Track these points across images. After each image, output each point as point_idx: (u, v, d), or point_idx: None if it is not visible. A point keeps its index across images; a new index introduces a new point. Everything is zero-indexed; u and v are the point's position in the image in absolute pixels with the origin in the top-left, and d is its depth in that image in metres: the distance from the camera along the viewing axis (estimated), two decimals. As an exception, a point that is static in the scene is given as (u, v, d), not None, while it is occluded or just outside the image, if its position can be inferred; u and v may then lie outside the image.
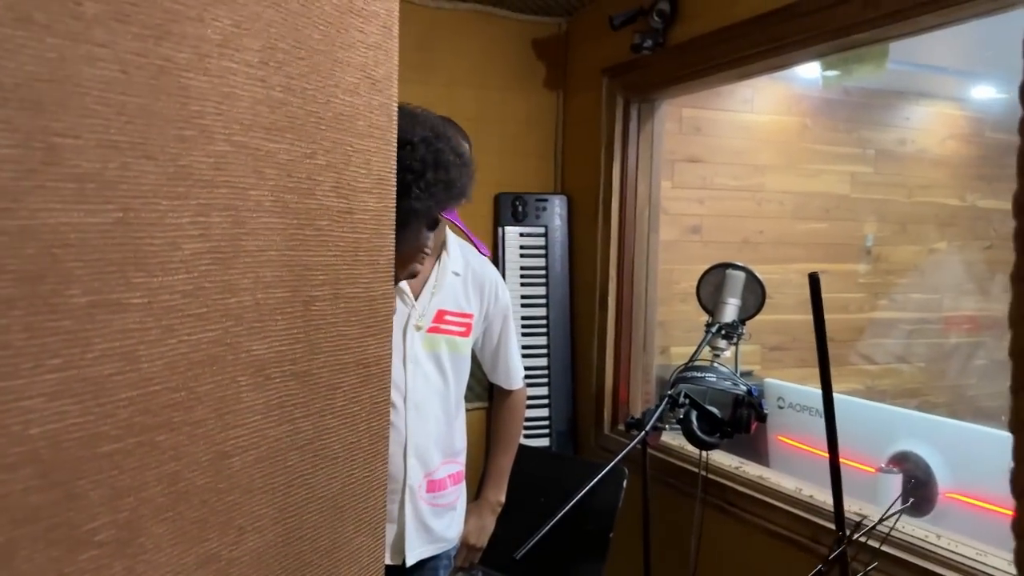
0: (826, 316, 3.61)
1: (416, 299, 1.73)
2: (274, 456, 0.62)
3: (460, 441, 1.86)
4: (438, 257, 1.76)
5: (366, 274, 0.71)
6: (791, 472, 2.28)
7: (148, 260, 0.49)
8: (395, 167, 0.76)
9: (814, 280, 1.14)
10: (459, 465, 1.86)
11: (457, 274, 1.78)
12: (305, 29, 0.62)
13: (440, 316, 1.74)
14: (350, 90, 0.68)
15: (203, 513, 0.55)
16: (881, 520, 1.54)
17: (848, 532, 1.34)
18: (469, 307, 1.80)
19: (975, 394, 3.70)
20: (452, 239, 1.81)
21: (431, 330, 1.71)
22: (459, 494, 1.86)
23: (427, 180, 1.31)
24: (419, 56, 2.64)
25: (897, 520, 1.56)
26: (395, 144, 0.76)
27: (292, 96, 0.61)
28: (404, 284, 1.71)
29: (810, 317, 3.57)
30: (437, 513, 1.76)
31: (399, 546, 1.69)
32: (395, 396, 1.66)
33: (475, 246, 1.67)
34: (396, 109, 0.75)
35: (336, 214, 0.67)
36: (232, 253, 0.56)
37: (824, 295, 3.76)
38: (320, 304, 0.66)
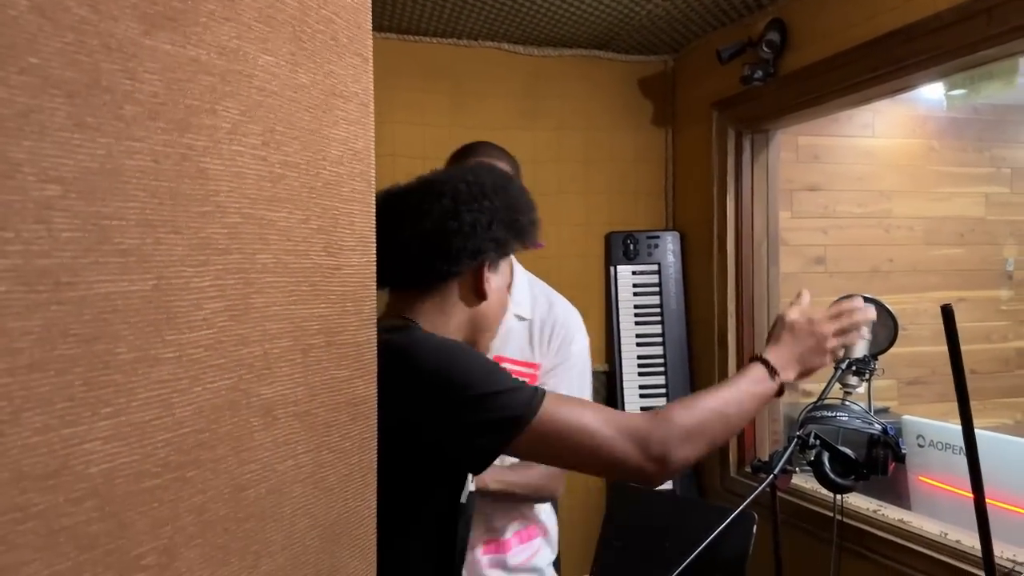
0: (967, 347, 3.38)
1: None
2: (281, 488, 0.69)
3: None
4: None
5: (353, 323, 0.80)
6: (936, 515, 2.13)
7: (177, 320, 0.57)
8: (374, 226, 0.83)
9: (947, 312, 1.07)
10: (530, 521, 1.67)
11: (523, 318, 1.57)
12: (297, 113, 0.71)
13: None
14: (335, 161, 0.77)
15: (225, 540, 0.62)
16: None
17: (1006, 584, 1.24)
18: (535, 356, 1.56)
19: None
20: (521, 276, 1.59)
21: None
22: (532, 551, 1.67)
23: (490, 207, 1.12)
24: (526, 103, 2.69)
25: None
26: (373, 205, 0.81)
27: (289, 171, 0.70)
28: None
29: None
30: (503, 570, 1.59)
31: None
32: None
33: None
34: (373, 175, 0.82)
35: (327, 271, 0.76)
36: (244, 310, 0.64)
37: (964, 324, 3.54)
38: (316, 351, 0.74)
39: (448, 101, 2.63)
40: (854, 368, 1.85)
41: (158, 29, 0.55)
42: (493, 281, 1.17)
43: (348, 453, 0.78)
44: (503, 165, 1.48)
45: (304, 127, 0.72)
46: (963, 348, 3.52)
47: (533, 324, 1.58)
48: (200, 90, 0.59)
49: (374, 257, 0.83)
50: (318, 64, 0.73)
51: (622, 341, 2.69)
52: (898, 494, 2.30)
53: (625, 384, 2.67)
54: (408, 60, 2.57)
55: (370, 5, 0.80)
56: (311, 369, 0.73)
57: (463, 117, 2.63)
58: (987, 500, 2.20)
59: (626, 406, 2.66)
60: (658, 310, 2.71)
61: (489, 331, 1.22)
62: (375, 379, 0.83)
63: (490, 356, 1.43)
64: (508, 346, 1.54)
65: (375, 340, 0.83)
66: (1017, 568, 1.50)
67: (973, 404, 3.58)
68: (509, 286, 1.45)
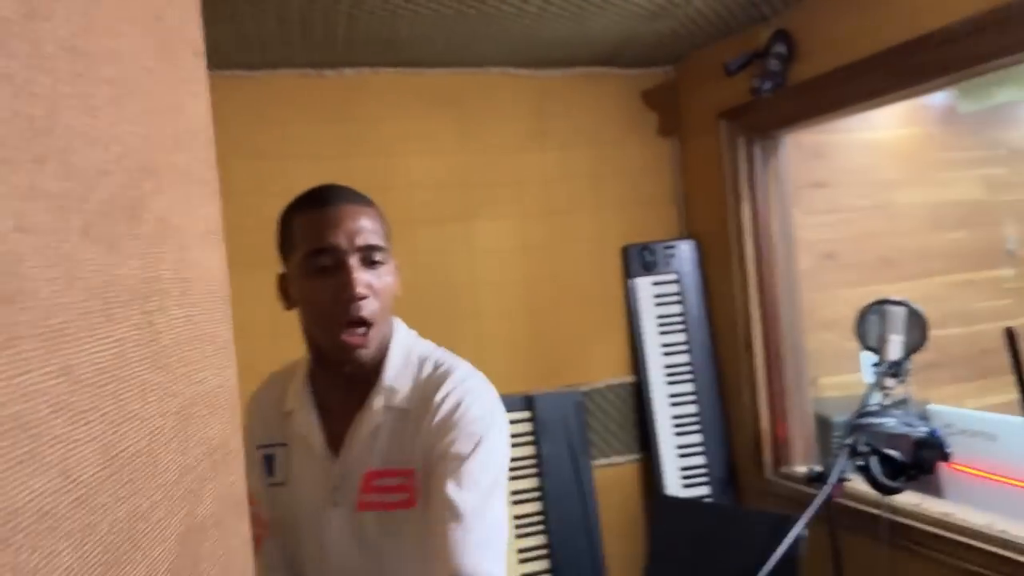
0: (976, 327, 3.47)
1: (336, 456, 1.24)
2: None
3: None
4: (373, 385, 1.24)
5: None
6: (969, 501, 2.19)
7: None
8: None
9: (1011, 336, 1.12)
10: None
11: (399, 409, 1.23)
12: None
13: (368, 483, 1.21)
14: None
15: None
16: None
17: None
18: (414, 455, 1.20)
19: None
20: (398, 350, 1.26)
21: (361, 506, 1.21)
22: None
23: None
24: (534, 124, 2.72)
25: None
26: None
27: None
28: (316, 431, 1.25)
29: (960, 330, 3.42)
30: None
31: None
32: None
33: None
34: None
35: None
36: None
37: (972, 305, 3.61)
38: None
39: (456, 127, 2.65)
40: (891, 371, 1.92)
41: None
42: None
43: (240, 552, 0.85)
44: (367, 204, 1.26)
45: (193, 260, 0.75)
46: (971, 329, 3.58)
47: (410, 412, 1.23)
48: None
49: (235, 370, 0.87)
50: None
51: (647, 352, 2.74)
52: (930, 482, 2.36)
53: (654, 394, 2.71)
54: (415, 92, 2.60)
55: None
56: (219, 482, 0.78)
57: (471, 142, 2.66)
58: (1011, 481, 2.27)
59: (656, 415, 2.70)
60: (681, 318, 2.76)
61: None
62: (243, 477, 0.88)
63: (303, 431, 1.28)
64: (377, 452, 1.22)
65: (241, 442, 0.87)
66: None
67: (985, 382, 3.65)
68: (384, 360, 1.24)
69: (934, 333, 3.14)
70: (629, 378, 2.80)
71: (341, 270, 1.17)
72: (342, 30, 2.15)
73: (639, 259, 2.80)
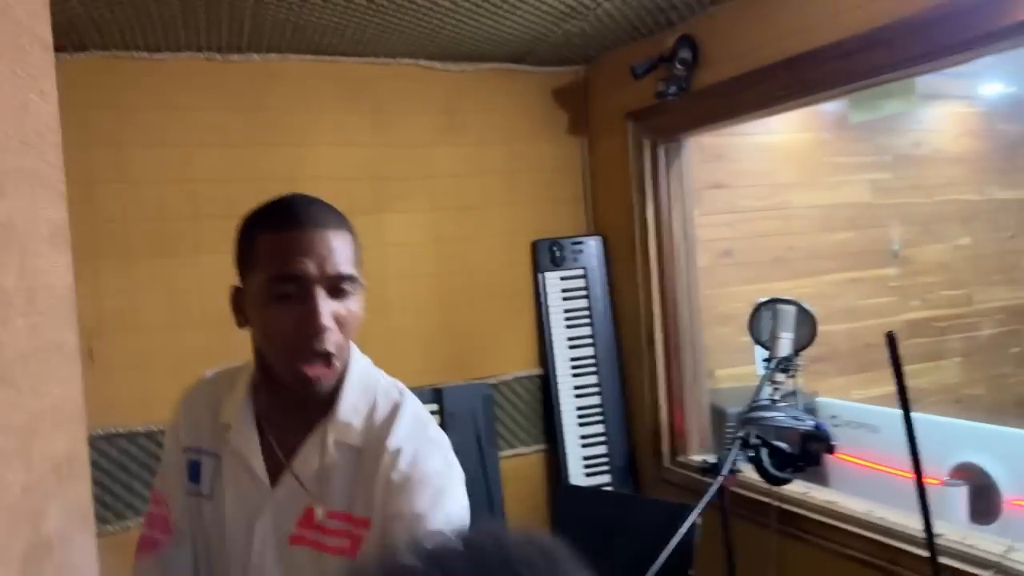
0: (862, 323, 3.68)
1: (275, 483, 1.15)
2: None
3: None
4: (325, 414, 1.15)
5: None
6: (851, 488, 2.34)
7: None
8: None
9: (892, 340, 1.20)
10: None
11: (350, 446, 1.14)
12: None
13: (308, 519, 1.13)
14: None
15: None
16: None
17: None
18: (367, 506, 1.11)
19: (1014, 381, 3.75)
20: (354, 379, 1.18)
21: (294, 540, 1.13)
22: None
23: None
24: (447, 119, 2.73)
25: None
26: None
27: None
28: (255, 451, 1.16)
29: (847, 326, 3.62)
30: None
31: None
32: None
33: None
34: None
35: None
36: None
37: (858, 303, 3.81)
38: None
39: (368, 119, 2.63)
40: (781, 366, 2.02)
41: None
42: None
43: (84, 567, 0.83)
44: (340, 225, 1.15)
45: (40, 267, 0.73)
46: (858, 324, 3.78)
47: (366, 453, 1.13)
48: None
49: (80, 381, 0.85)
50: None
51: (554, 345, 2.79)
52: (817, 471, 2.51)
53: (560, 386, 2.78)
54: (328, 81, 2.56)
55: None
56: (65, 497, 0.77)
57: (383, 135, 2.64)
58: (890, 470, 2.43)
59: (561, 406, 2.77)
60: (587, 312, 2.83)
61: None
62: (89, 486, 0.91)
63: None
64: (327, 490, 1.13)
65: (86, 453, 0.89)
66: (938, 541, 1.68)
67: (869, 375, 3.88)
68: (338, 392, 1.15)
69: (823, 328, 3.31)
70: (537, 370, 2.85)
71: (306, 300, 1.07)
72: (249, 13, 2.10)
73: (548, 254, 2.85)
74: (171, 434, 1.27)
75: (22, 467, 0.63)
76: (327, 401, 1.14)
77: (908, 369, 3.64)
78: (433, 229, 2.72)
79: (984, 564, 1.61)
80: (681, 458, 2.60)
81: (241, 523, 1.16)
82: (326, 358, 1.09)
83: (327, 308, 1.07)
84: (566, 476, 2.74)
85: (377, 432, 1.13)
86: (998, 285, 3.77)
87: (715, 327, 3.04)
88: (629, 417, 2.81)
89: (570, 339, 2.83)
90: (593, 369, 2.82)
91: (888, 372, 3.57)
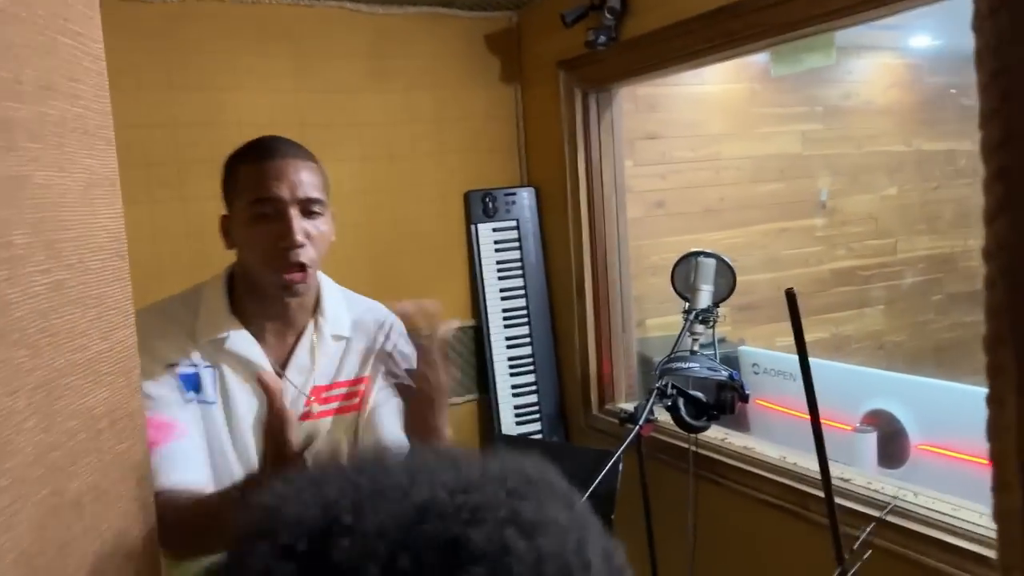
0: (788, 272, 3.75)
1: (282, 375, 1.38)
2: (97, 568, 0.75)
3: None
4: (312, 317, 1.42)
5: (126, 395, 0.83)
6: (770, 434, 2.42)
7: (5, 448, 0.59)
8: (130, 295, 0.84)
9: (791, 297, 1.23)
10: None
11: (341, 337, 1.43)
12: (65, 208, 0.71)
13: (318, 395, 1.40)
14: (97, 250, 0.79)
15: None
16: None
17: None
18: (363, 370, 1.44)
19: (936, 327, 3.90)
20: (330, 290, 1.46)
21: (303, 417, 1.37)
22: None
23: None
24: (373, 64, 2.66)
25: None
26: (128, 280, 0.85)
27: (64, 272, 0.71)
28: (260, 356, 1.36)
29: (774, 275, 3.70)
30: None
31: None
32: None
33: None
34: (126, 251, 0.86)
35: (105, 355, 0.80)
36: (49, 420, 0.67)
37: (786, 252, 3.89)
38: (104, 435, 0.79)
39: (291, 64, 2.55)
40: (700, 318, 2.06)
41: None
42: None
43: (137, 516, 0.82)
44: (309, 158, 1.37)
45: (70, 220, 0.71)
46: (785, 274, 3.86)
47: (355, 341, 1.45)
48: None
49: (134, 329, 0.84)
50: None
51: (487, 296, 2.80)
52: (738, 418, 2.58)
53: (492, 336, 2.79)
54: (248, 23, 2.47)
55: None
56: (102, 452, 0.75)
57: (308, 80, 2.57)
58: (806, 416, 2.51)
59: (494, 357, 2.79)
60: (519, 264, 2.83)
61: None
62: (145, 442, 0.86)
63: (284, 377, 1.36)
64: (326, 372, 1.41)
65: (141, 404, 0.86)
66: (843, 485, 1.75)
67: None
68: (319, 300, 1.41)
69: (752, 278, 3.40)
70: (470, 321, 2.85)
71: (282, 219, 1.28)
72: (160, -46, 2.00)
73: (481, 205, 2.83)
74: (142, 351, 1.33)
75: (38, 428, 0.63)
76: (311, 308, 1.41)
77: (833, 317, 3.76)
78: (362, 179, 2.67)
79: (880, 506, 1.69)
80: (609, 406, 2.65)
81: (250, 420, 1.35)
82: (302, 268, 1.30)
83: (300, 226, 1.29)
84: (498, 425, 2.77)
85: (362, 325, 1.44)
86: (922, 235, 3.88)
87: (647, 277, 3.08)
88: (560, 367, 2.84)
89: (503, 291, 2.83)
90: (525, 320, 2.84)
91: (814, 320, 3.66)
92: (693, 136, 3.19)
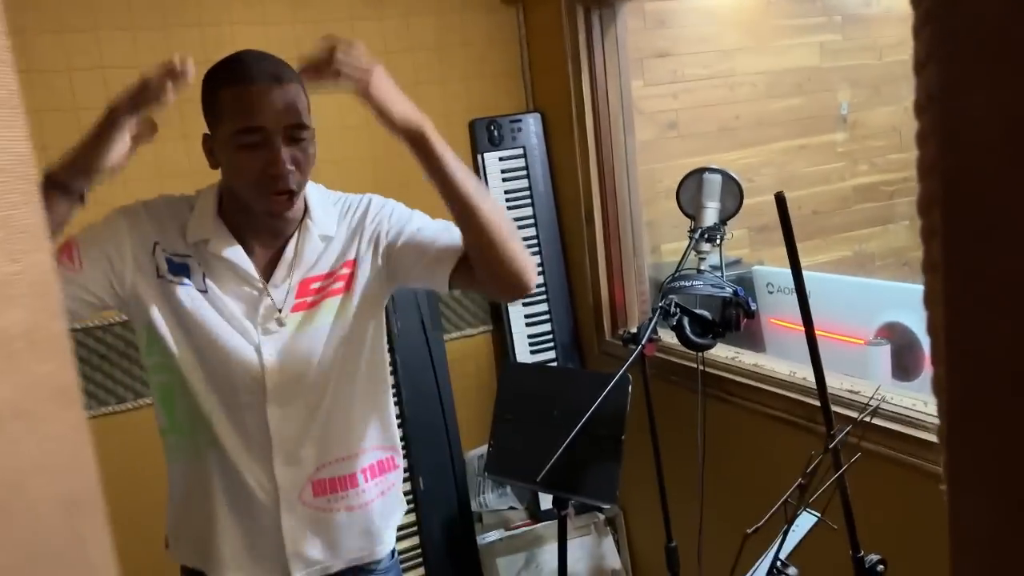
0: (810, 190, 3.67)
1: (268, 281, 1.40)
2: (20, 483, 0.76)
3: (367, 431, 1.50)
4: (299, 223, 1.42)
5: (46, 318, 0.84)
6: (786, 353, 2.39)
7: None
8: (44, 219, 0.85)
9: (780, 201, 1.19)
10: (367, 458, 1.51)
11: (328, 237, 1.45)
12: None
13: (305, 288, 1.42)
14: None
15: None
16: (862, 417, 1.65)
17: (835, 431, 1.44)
18: (348, 254, 1.45)
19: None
20: (316, 195, 1.47)
21: (296, 308, 1.40)
22: (370, 496, 1.50)
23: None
24: (371, -10, 2.59)
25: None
26: (39, 198, 0.87)
27: None
28: (245, 260, 1.39)
29: (794, 194, 3.61)
30: (334, 520, 1.46)
31: (281, 561, 1.43)
32: (247, 397, 1.39)
33: None
34: (34, 172, 0.88)
35: (13, 278, 0.79)
36: None
37: (806, 169, 3.79)
38: (20, 355, 0.80)
39: (285, -6, 2.50)
40: (706, 236, 2.02)
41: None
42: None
43: (68, 437, 0.84)
44: (291, 79, 1.34)
45: None
46: (806, 192, 3.77)
47: (340, 235, 1.46)
48: None
49: (51, 254, 0.85)
50: None
51: (495, 226, 2.77)
52: (754, 339, 2.56)
53: (502, 267, 2.77)
54: (238, -45, 2.41)
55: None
56: (20, 373, 0.76)
57: (304, 11, 2.52)
58: (822, 333, 2.47)
59: (505, 287, 2.77)
60: (528, 193, 2.79)
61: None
62: (74, 368, 0.87)
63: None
64: (313, 268, 1.43)
65: (67, 330, 0.87)
66: (852, 397, 1.73)
67: (817, 242, 3.90)
68: (305, 206, 1.44)
69: (770, 198, 3.31)
70: (479, 253, 2.83)
71: (268, 147, 1.28)
72: None
73: (486, 134, 2.78)
74: (127, 221, 1.38)
75: None
76: (299, 218, 1.41)
77: (857, 234, 3.67)
78: (363, 111, 2.62)
79: (904, 420, 1.66)
80: (621, 331, 2.63)
81: (237, 316, 1.38)
82: (290, 195, 1.32)
83: (287, 154, 1.29)
84: (513, 355, 2.77)
85: (345, 219, 1.46)
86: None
87: (660, 202, 3.02)
88: (572, 295, 2.82)
89: (513, 220, 2.80)
90: (536, 249, 2.81)
91: (837, 238, 3.58)
92: (705, 52, 3.09)
